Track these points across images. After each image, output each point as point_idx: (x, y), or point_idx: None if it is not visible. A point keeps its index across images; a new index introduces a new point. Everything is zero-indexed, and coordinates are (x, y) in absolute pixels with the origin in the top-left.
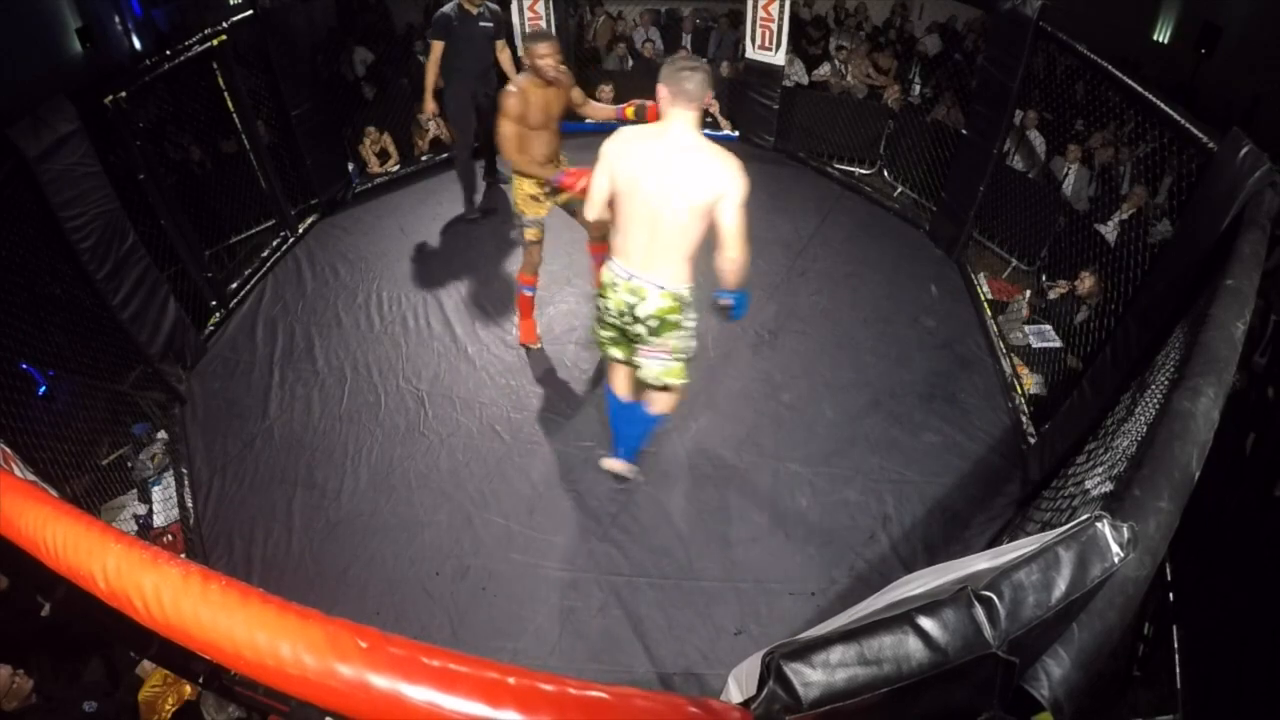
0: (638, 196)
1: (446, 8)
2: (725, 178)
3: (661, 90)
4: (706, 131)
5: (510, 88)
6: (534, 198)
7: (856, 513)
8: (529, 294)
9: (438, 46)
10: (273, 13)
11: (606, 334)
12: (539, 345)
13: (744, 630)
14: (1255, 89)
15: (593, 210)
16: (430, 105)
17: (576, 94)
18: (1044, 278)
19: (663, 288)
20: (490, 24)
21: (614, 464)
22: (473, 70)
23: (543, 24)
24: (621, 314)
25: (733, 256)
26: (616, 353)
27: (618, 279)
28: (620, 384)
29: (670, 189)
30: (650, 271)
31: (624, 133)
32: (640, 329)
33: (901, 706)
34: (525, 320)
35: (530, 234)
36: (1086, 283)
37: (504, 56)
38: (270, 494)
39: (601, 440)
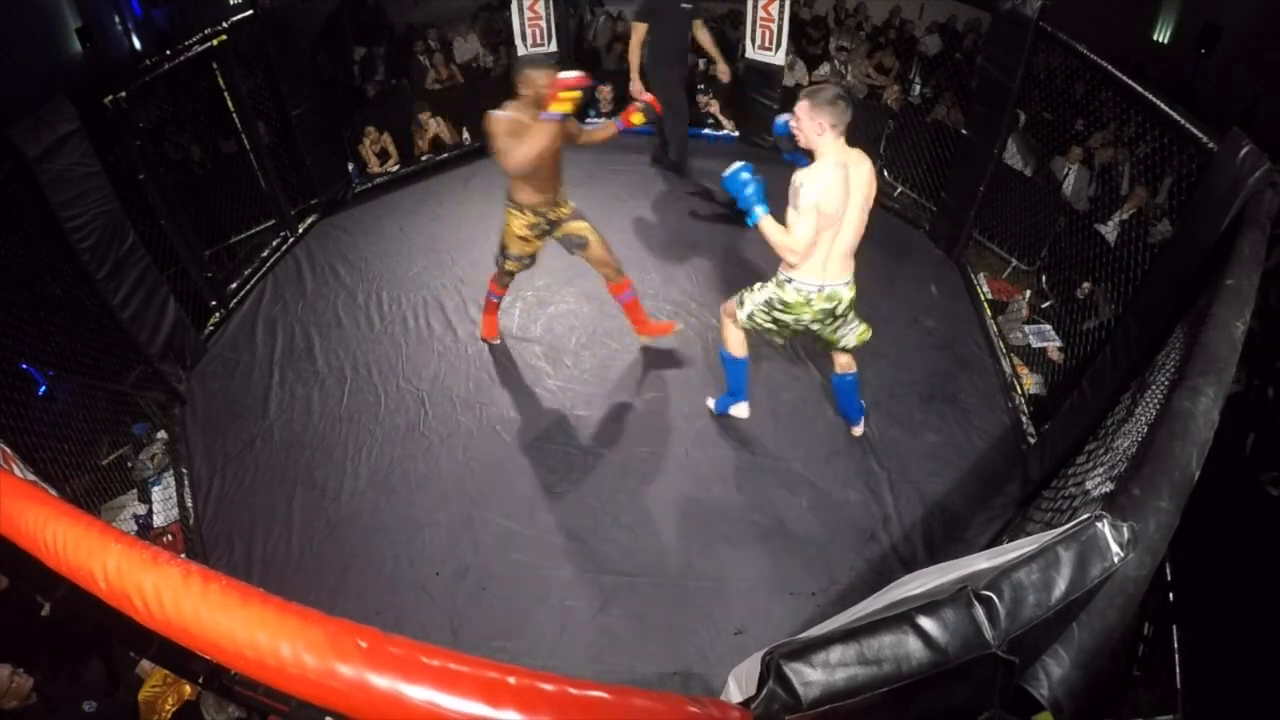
0: (838, 222)
1: None
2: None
3: (820, 119)
4: (707, 132)
5: (499, 115)
6: (523, 238)
7: (856, 513)
8: (495, 300)
9: (640, 28)
10: (273, 13)
11: (784, 336)
12: (498, 340)
13: (744, 630)
14: (1256, 89)
15: (801, 251)
16: (636, 86)
17: (572, 126)
18: (1044, 278)
19: (848, 282)
20: (689, 4)
21: (859, 429)
22: (676, 50)
23: (543, 24)
24: (823, 320)
25: None
26: (833, 341)
27: (811, 294)
28: (838, 361)
29: (859, 204)
30: (839, 275)
31: (818, 176)
32: (839, 320)
33: (901, 706)
34: (488, 316)
35: (510, 265)
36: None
37: (702, 36)
38: (270, 494)
39: (601, 440)
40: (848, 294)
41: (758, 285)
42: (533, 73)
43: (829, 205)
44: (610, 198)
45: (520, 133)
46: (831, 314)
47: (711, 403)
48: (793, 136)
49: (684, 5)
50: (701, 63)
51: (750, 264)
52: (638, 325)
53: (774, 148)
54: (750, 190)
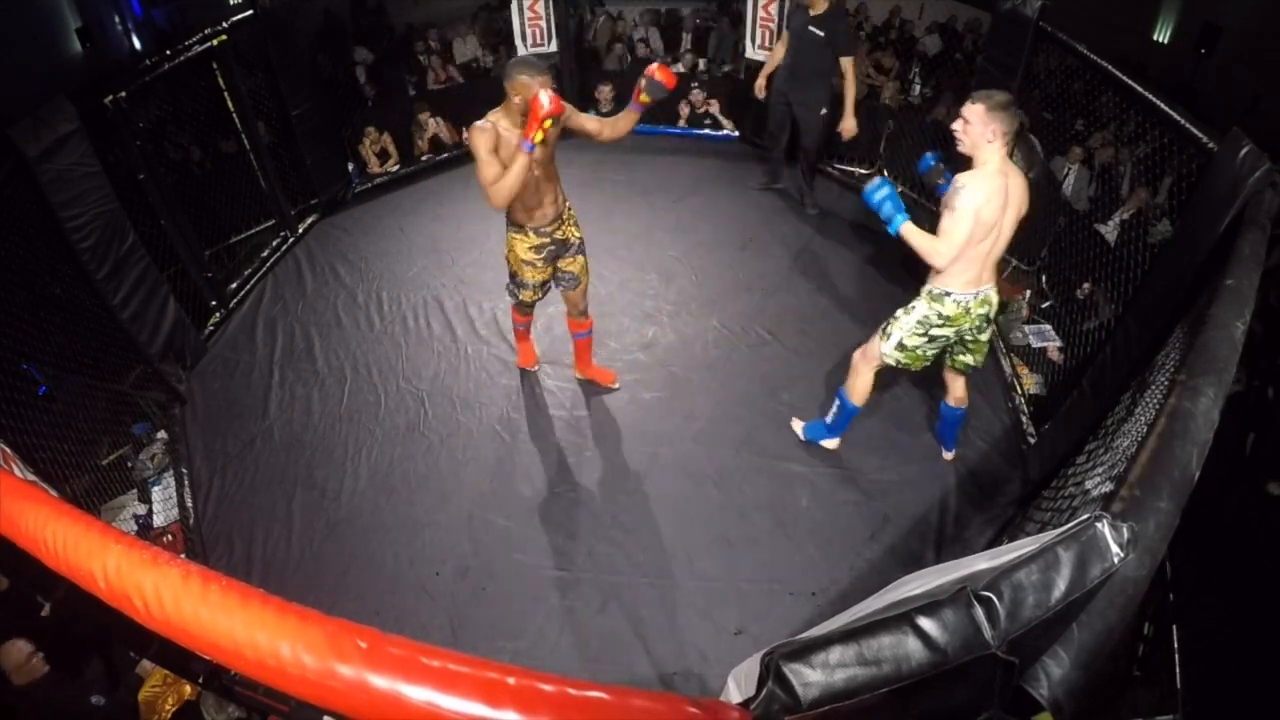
0: (993, 230)
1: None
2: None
3: (994, 125)
4: (706, 131)
5: (481, 124)
6: (530, 264)
7: (856, 513)
8: (522, 329)
9: (784, 37)
10: (273, 13)
11: (926, 360)
12: (537, 367)
13: (744, 630)
14: (1256, 89)
15: (952, 255)
16: (759, 84)
17: (590, 123)
18: (1044, 278)
19: (995, 287)
20: (820, 32)
21: (950, 455)
22: (794, 69)
23: (543, 24)
24: (980, 326)
25: None
26: (967, 360)
27: (969, 302)
28: (954, 392)
29: (1014, 216)
30: (987, 280)
31: (982, 183)
32: (989, 326)
33: (901, 707)
34: (522, 344)
35: (526, 295)
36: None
37: (848, 77)
38: (270, 494)
39: (601, 440)
40: (996, 297)
41: (900, 313)
42: (525, 78)
43: (988, 213)
44: (610, 198)
45: (504, 151)
46: (987, 318)
47: (800, 426)
48: (940, 166)
49: (812, 30)
50: (701, 63)
51: (750, 264)
52: (580, 364)
53: (920, 186)
54: (889, 203)
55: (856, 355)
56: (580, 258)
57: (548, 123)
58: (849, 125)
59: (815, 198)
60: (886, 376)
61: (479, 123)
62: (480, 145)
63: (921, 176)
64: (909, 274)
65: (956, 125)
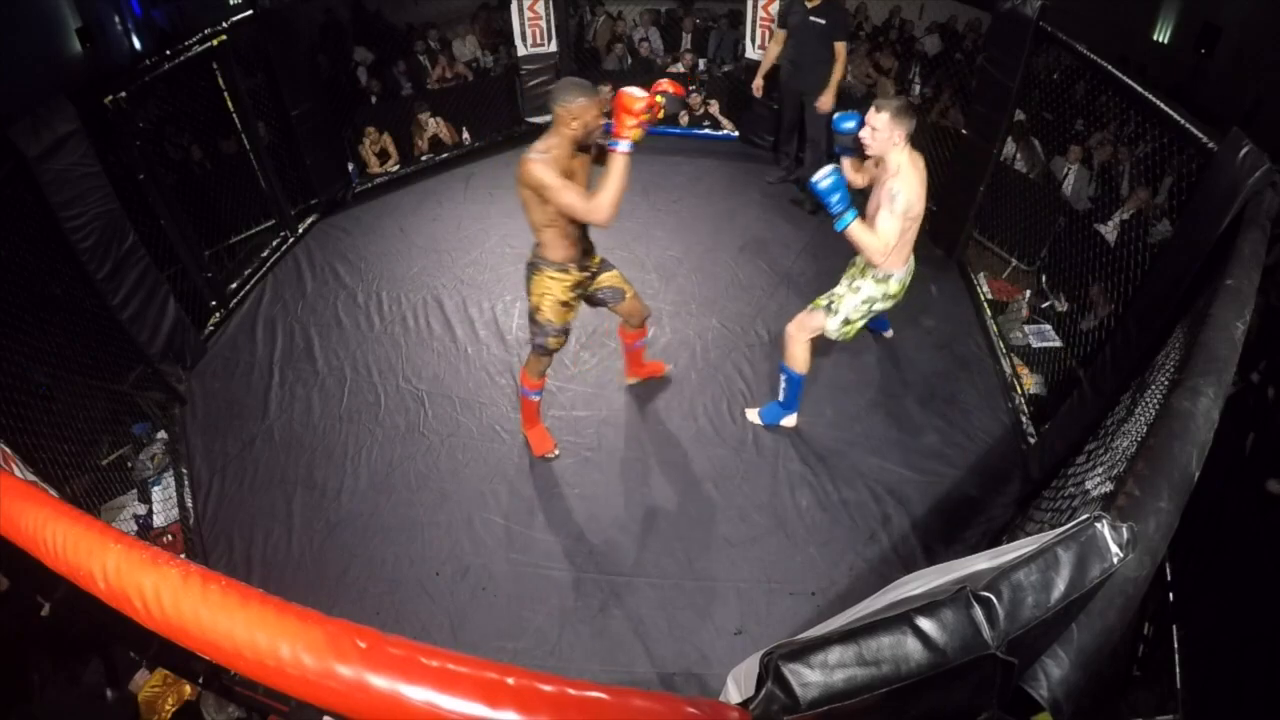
0: (919, 218)
1: None
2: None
3: (899, 130)
4: (706, 131)
5: (540, 156)
6: (567, 304)
7: (856, 513)
8: (535, 399)
9: (780, 34)
10: (273, 13)
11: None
12: (556, 454)
13: (744, 630)
14: (1257, 90)
15: (888, 251)
16: (757, 83)
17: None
18: (1044, 278)
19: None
20: (822, 20)
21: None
22: (798, 61)
23: (543, 24)
24: (902, 293)
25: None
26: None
27: (906, 279)
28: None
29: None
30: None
31: (909, 185)
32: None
33: (900, 707)
34: (534, 428)
35: (554, 342)
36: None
37: (839, 58)
38: (270, 494)
39: (600, 440)
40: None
41: (844, 291)
42: (584, 99)
43: (918, 208)
44: None
45: (573, 175)
46: (906, 287)
47: (755, 414)
48: (856, 139)
49: (813, 20)
50: (701, 62)
51: (750, 263)
52: (634, 369)
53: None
54: (838, 196)
55: (792, 328)
56: (609, 272)
57: (648, 113)
58: (827, 101)
59: None
60: (887, 376)
61: (535, 156)
62: (549, 174)
63: (838, 130)
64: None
65: (864, 133)
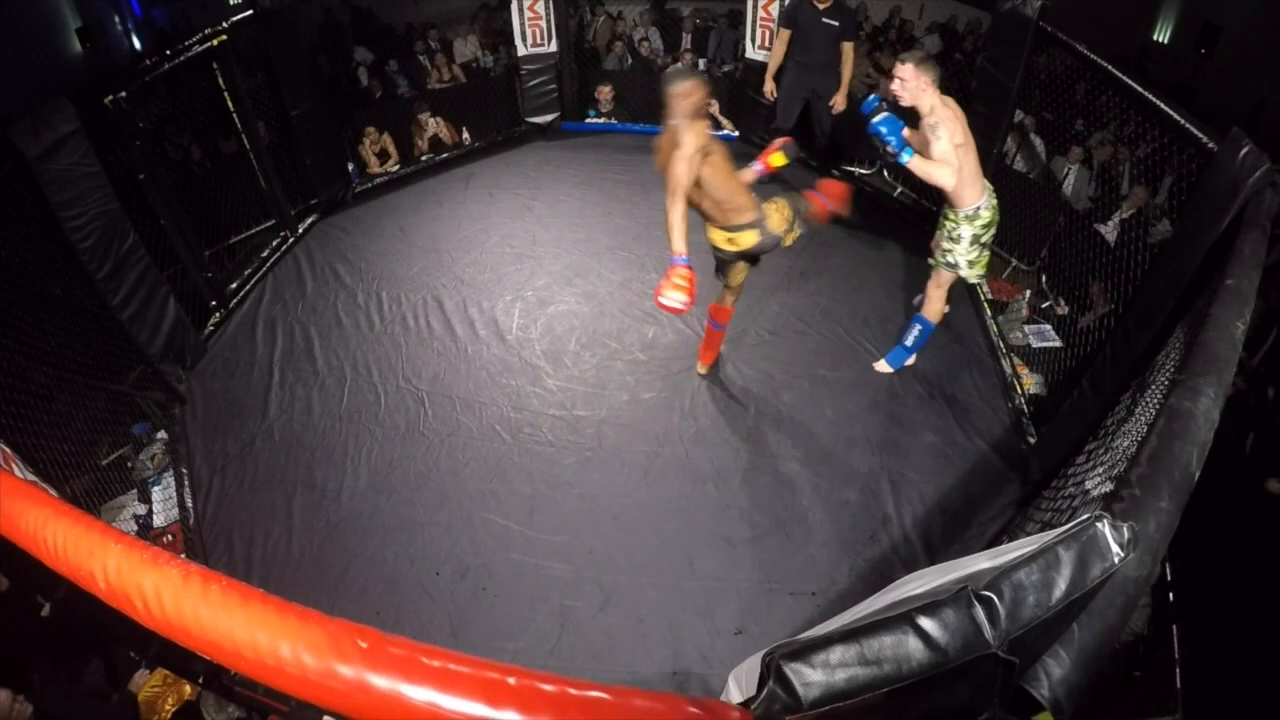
0: (968, 146)
1: None
2: None
3: (925, 77)
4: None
5: (697, 139)
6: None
7: (856, 513)
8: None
9: (784, 34)
10: (273, 13)
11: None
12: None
13: (744, 630)
14: (1257, 90)
15: (953, 174)
16: (768, 86)
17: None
18: (1044, 278)
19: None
20: (835, 22)
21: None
22: (809, 62)
23: (543, 24)
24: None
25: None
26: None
27: (993, 204)
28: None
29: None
30: (985, 183)
31: (944, 116)
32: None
33: (902, 706)
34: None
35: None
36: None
37: (847, 58)
38: (270, 494)
39: (601, 440)
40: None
41: (948, 244)
42: (691, 81)
43: (960, 135)
44: (610, 198)
45: (710, 153)
46: (997, 210)
47: (884, 363)
48: (882, 107)
49: (825, 21)
50: (701, 62)
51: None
52: (709, 353)
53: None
54: (895, 138)
55: (931, 286)
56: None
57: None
58: (841, 101)
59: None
60: (887, 376)
61: (693, 138)
62: (691, 140)
63: (866, 113)
64: (908, 273)
65: (894, 85)
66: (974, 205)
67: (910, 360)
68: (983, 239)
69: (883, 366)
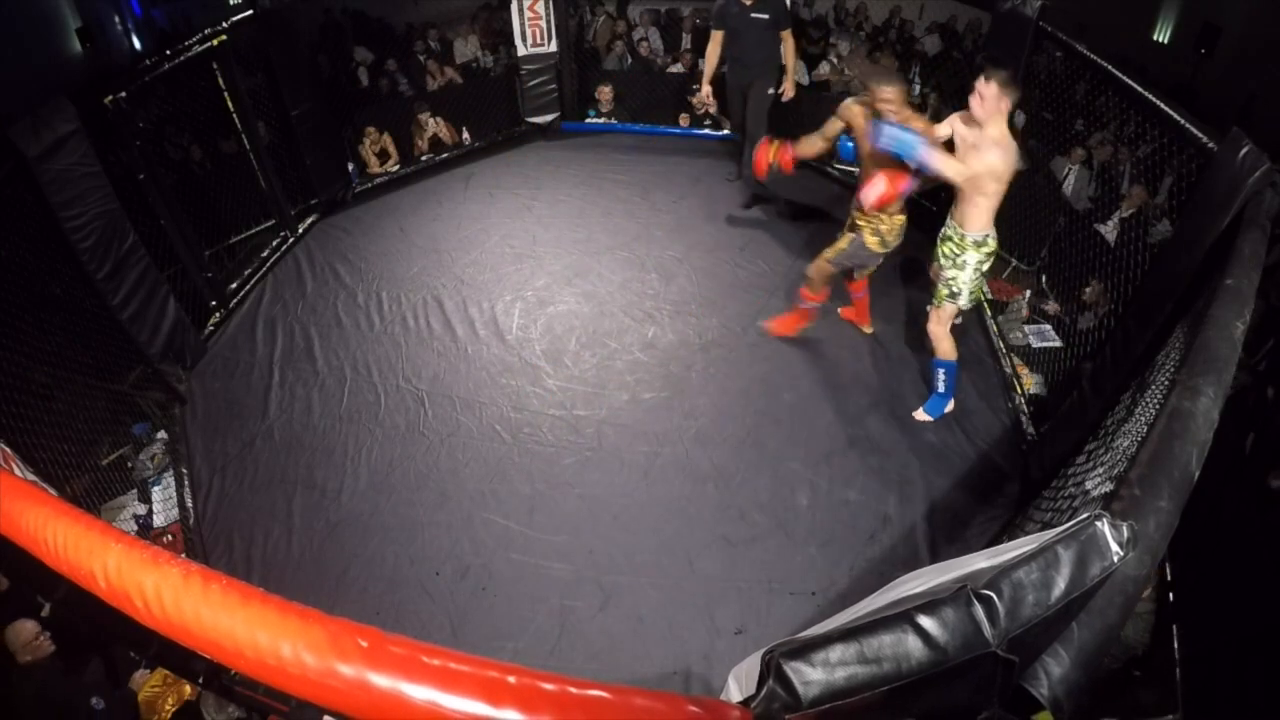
0: (1003, 183)
1: None
2: None
3: (1006, 99)
4: (706, 131)
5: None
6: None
7: (856, 513)
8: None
9: (716, 36)
10: (273, 13)
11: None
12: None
13: (744, 630)
14: (1254, 89)
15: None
16: (705, 90)
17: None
18: (1044, 278)
19: None
20: (765, 16)
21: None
22: (745, 59)
23: (543, 24)
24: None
25: None
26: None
27: (995, 234)
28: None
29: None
30: None
31: (1009, 145)
32: None
33: (901, 705)
34: (794, 316)
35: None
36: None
37: (787, 47)
38: (270, 494)
39: (601, 440)
40: None
41: (952, 273)
42: (878, 85)
43: (1006, 176)
44: (610, 199)
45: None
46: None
47: (922, 412)
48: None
49: (755, 16)
50: (701, 62)
51: (751, 264)
52: (861, 316)
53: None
54: (906, 142)
55: (933, 328)
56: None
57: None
58: (790, 89)
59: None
60: (887, 376)
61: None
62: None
63: (847, 157)
64: (908, 273)
65: (972, 100)
66: (984, 232)
67: (950, 406)
68: (983, 268)
69: (922, 415)
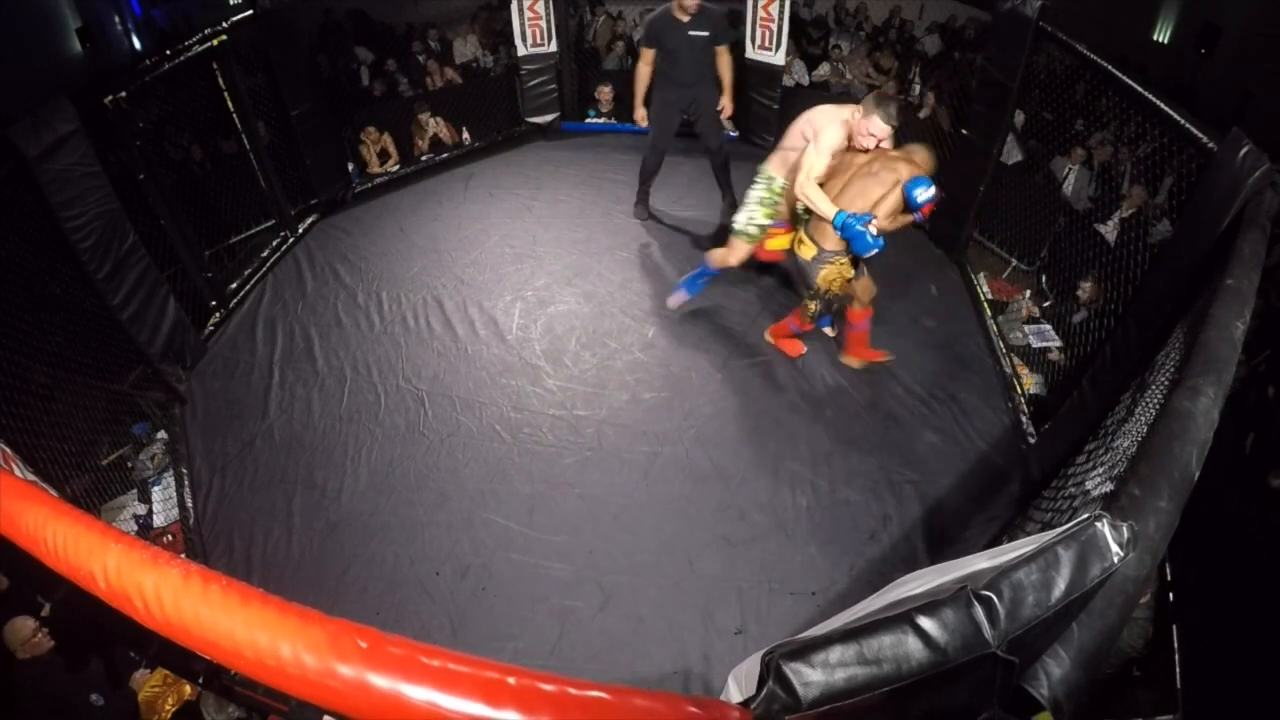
0: None
1: (655, 14)
2: None
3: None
4: None
5: (841, 124)
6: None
7: (856, 513)
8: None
9: (648, 53)
10: (273, 13)
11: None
12: (803, 354)
13: (744, 630)
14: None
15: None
16: (639, 112)
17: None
18: (1044, 278)
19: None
20: (705, 33)
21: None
22: (680, 78)
23: (543, 24)
24: None
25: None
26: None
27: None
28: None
29: None
30: None
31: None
32: None
33: (901, 706)
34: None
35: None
36: (1088, 290)
37: (723, 61)
38: (270, 494)
39: (601, 440)
40: None
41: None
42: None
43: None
44: (610, 199)
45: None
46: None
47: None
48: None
49: (694, 33)
50: None
51: (749, 265)
52: (857, 350)
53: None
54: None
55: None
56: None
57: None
58: (730, 105)
59: (734, 193)
60: (887, 376)
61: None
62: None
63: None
64: (908, 273)
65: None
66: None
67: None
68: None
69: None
